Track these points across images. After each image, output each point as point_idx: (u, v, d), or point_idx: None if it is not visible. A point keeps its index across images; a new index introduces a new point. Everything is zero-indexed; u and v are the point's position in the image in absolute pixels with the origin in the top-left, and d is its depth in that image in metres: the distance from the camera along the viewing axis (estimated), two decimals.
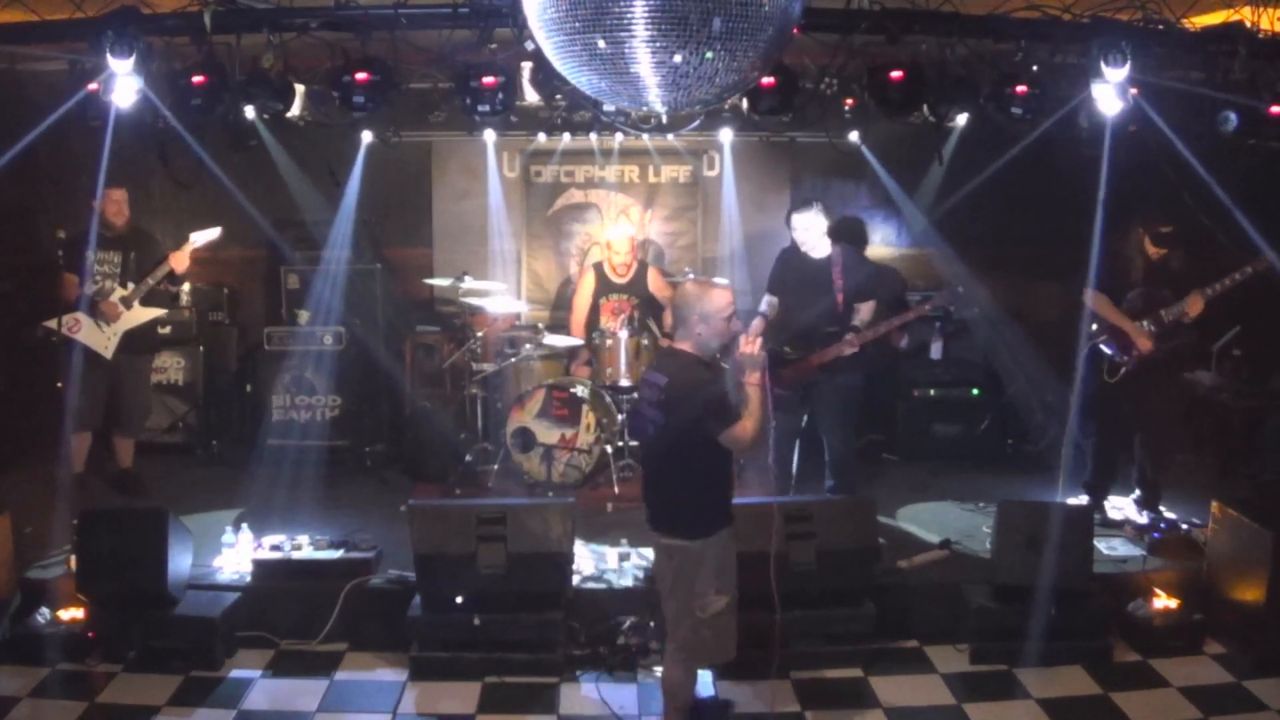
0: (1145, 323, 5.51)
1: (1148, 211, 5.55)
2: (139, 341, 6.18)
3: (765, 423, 3.74)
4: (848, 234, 7.67)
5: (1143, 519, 5.71)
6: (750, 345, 3.71)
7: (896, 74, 5.26)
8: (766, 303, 5.93)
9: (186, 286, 7.61)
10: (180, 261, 6.05)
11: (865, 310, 5.62)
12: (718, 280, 6.41)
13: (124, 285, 6.00)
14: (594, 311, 7.10)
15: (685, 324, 3.79)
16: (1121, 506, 5.90)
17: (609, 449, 6.38)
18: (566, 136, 7.22)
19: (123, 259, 6.04)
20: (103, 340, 5.92)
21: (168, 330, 7.41)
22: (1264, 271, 5.22)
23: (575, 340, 6.80)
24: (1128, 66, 4.67)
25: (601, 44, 2.72)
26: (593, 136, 7.33)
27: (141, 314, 6.09)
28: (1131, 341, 5.51)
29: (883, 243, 8.06)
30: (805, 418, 5.75)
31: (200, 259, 7.73)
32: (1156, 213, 5.53)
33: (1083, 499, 5.80)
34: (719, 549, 3.77)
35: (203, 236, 6.14)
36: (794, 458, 5.86)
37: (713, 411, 3.65)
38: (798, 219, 5.67)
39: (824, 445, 5.79)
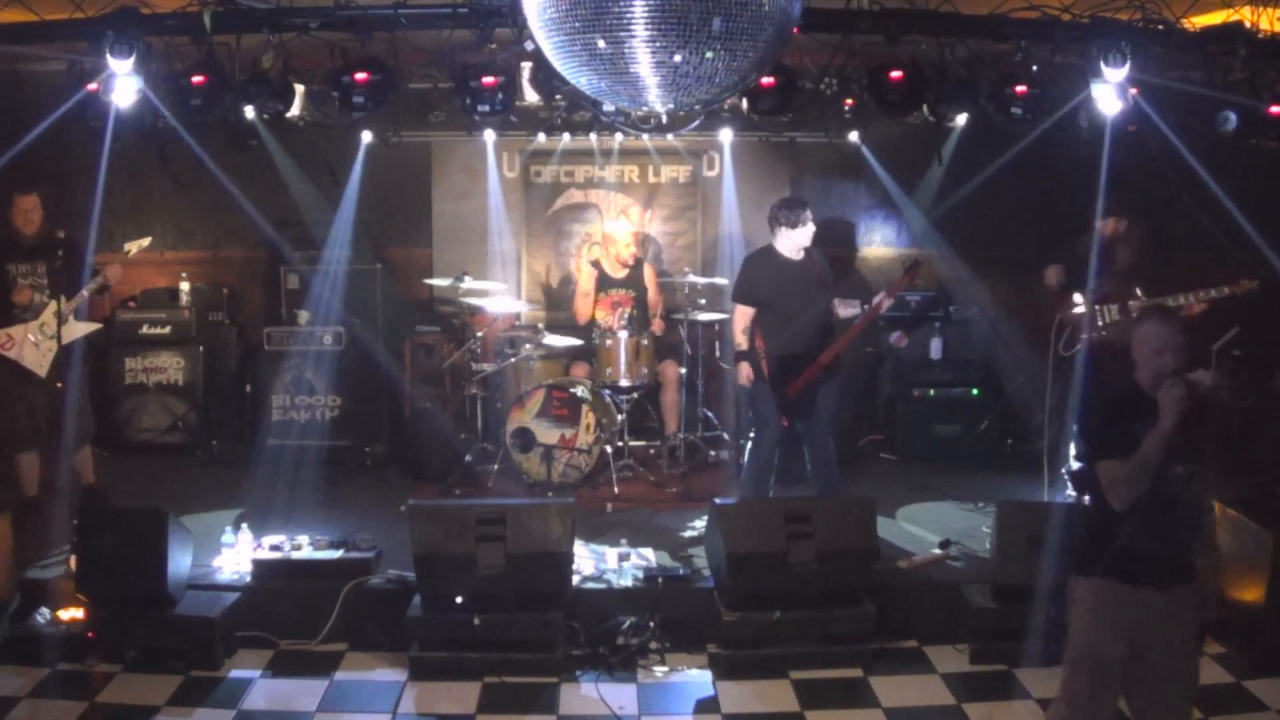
0: (1111, 307, 5.56)
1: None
2: (73, 354, 5.72)
3: (1142, 480, 3.12)
4: (838, 235, 7.70)
5: None
6: (1169, 391, 3.09)
7: (896, 74, 5.26)
8: (747, 319, 5.55)
9: (186, 287, 7.62)
10: (115, 273, 5.67)
11: (840, 306, 5.52)
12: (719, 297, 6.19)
13: (56, 299, 5.49)
14: (593, 303, 7.11)
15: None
16: None
17: (609, 449, 6.39)
18: (566, 136, 7.23)
19: (47, 270, 5.55)
20: (38, 358, 5.55)
21: (167, 331, 7.43)
22: (1243, 295, 5.23)
23: (575, 340, 6.79)
24: (1127, 66, 4.67)
25: (601, 44, 2.72)
26: (593, 136, 7.34)
27: (77, 329, 5.63)
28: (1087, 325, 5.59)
29: (883, 243, 8.07)
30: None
31: (200, 260, 7.82)
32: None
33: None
34: (1090, 594, 3.32)
35: (136, 245, 5.80)
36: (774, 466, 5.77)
37: (1086, 438, 3.47)
38: (811, 222, 5.57)
39: (807, 454, 5.66)
